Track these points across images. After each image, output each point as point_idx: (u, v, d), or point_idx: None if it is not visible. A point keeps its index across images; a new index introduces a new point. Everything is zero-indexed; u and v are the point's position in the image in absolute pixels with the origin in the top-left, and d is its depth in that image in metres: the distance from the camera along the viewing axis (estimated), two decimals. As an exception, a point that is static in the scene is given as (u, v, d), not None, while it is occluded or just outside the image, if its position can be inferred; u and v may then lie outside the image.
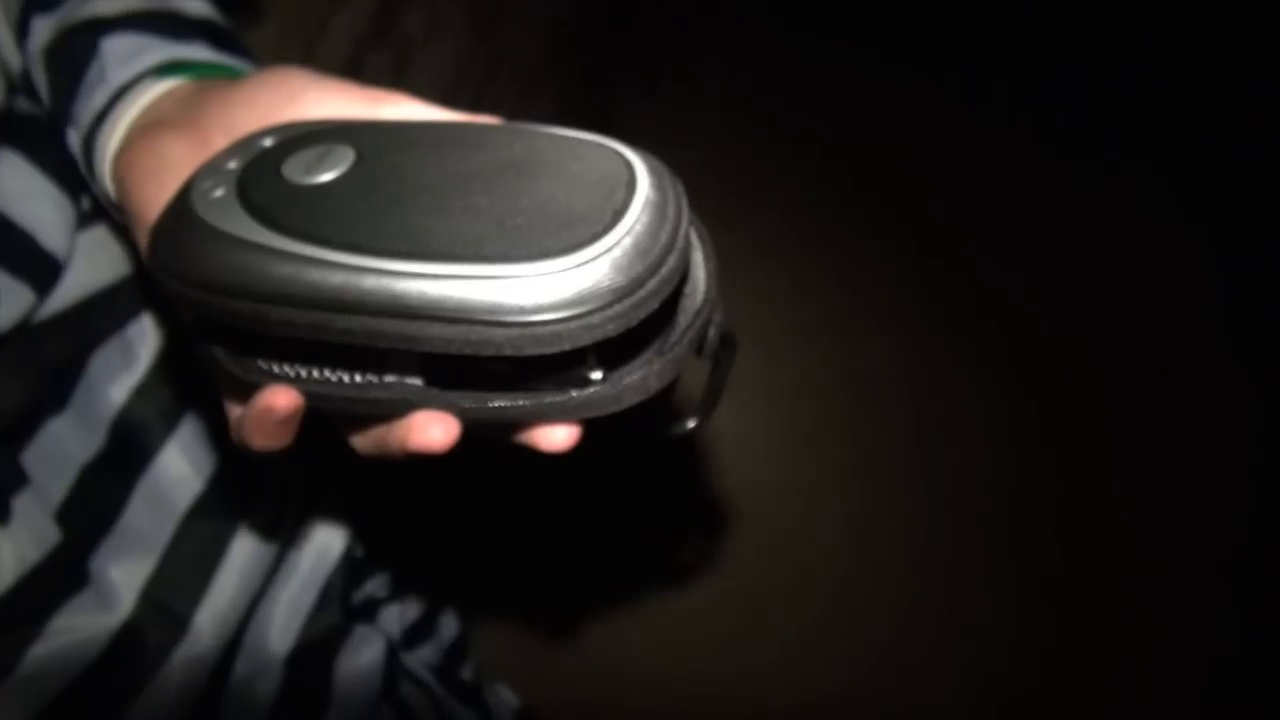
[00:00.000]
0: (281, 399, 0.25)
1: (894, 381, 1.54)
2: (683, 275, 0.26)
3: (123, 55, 0.33)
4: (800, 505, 1.38)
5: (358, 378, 0.26)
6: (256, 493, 0.44)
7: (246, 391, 0.26)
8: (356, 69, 0.94)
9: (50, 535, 0.35)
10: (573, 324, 0.22)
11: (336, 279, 0.23)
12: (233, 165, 0.26)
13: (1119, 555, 1.32)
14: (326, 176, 0.25)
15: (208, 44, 0.36)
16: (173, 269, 0.24)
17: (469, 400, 0.26)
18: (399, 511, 0.55)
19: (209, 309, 0.24)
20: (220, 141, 0.29)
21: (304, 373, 0.26)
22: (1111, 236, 1.76)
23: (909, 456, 1.44)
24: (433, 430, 0.25)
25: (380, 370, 0.26)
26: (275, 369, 0.27)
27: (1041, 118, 1.97)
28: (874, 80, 2.09)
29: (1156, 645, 1.23)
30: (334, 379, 0.26)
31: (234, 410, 0.28)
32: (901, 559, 1.32)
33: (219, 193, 0.25)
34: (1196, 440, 1.45)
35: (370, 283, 0.23)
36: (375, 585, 0.52)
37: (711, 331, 0.28)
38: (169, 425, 0.41)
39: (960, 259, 1.73)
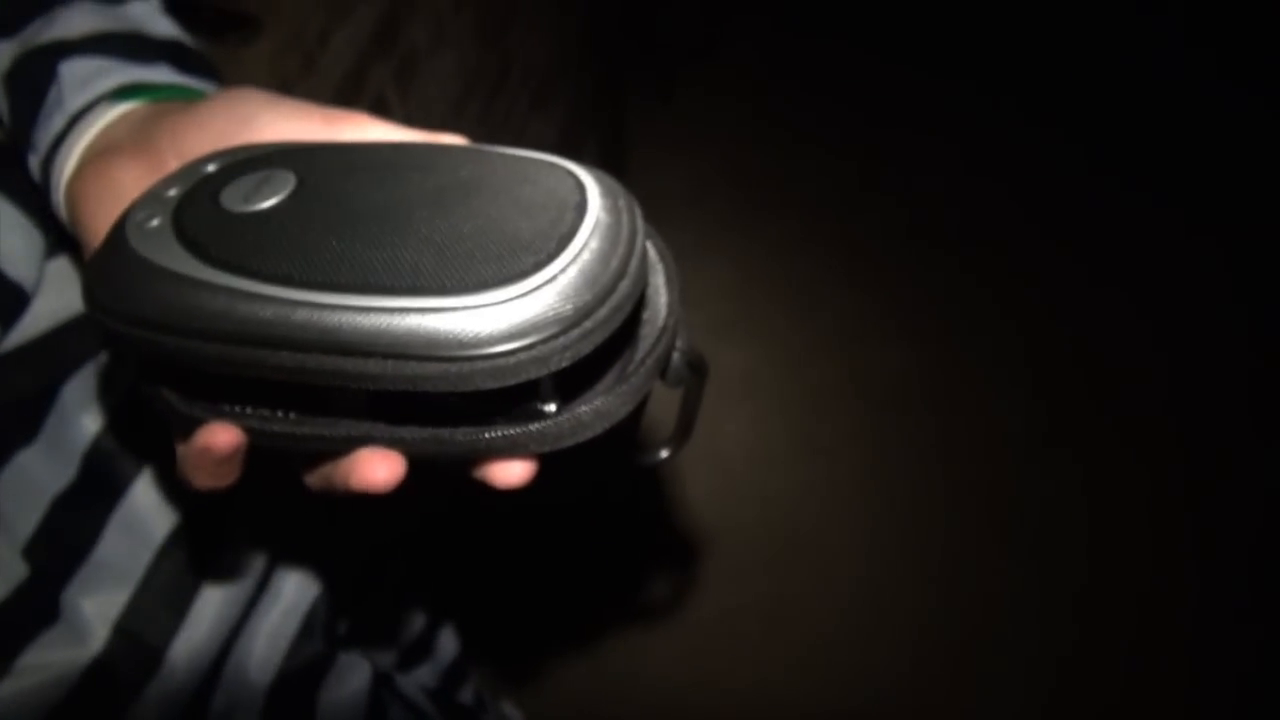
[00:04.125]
0: (221, 437, 0.24)
1: (911, 387, 1.51)
2: (639, 301, 0.24)
3: (81, 79, 0.33)
4: (816, 514, 1.36)
5: (301, 414, 0.25)
6: (236, 522, 0.43)
7: (190, 428, 0.25)
8: (359, 82, 0.93)
9: (17, 571, 0.34)
10: (516, 357, 0.21)
11: (267, 313, 0.22)
12: (172, 193, 0.25)
13: (1142, 563, 1.29)
14: (264, 204, 0.24)
15: (171, 66, 0.35)
16: (105, 303, 0.23)
17: (417, 435, 0.24)
18: (389, 533, 0.54)
19: (143, 345, 0.23)
20: (174, 166, 0.29)
21: (247, 409, 0.25)
22: (1129, 240, 1.72)
23: (926, 463, 1.41)
24: (377, 469, 0.24)
25: (324, 405, 0.25)
26: (217, 405, 0.25)
27: (1059, 121, 1.94)
28: (889, 85, 2.07)
29: (1180, 654, 1.20)
30: (277, 415, 0.25)
31: (179, 447, 0.27)
32: (919, 567, 1.29)
33: (154, 223, 0.24)
34: (1218, 444, 1.41)
35: (302, 317, 0.21)
36: (365, 609, 0.51)
37: (675, 357, 0.26)
38: (144, 455, 0.40)
39: (977, 263, 1.70)
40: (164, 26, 0.38)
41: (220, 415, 0.25)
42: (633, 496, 1.33)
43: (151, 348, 0.23)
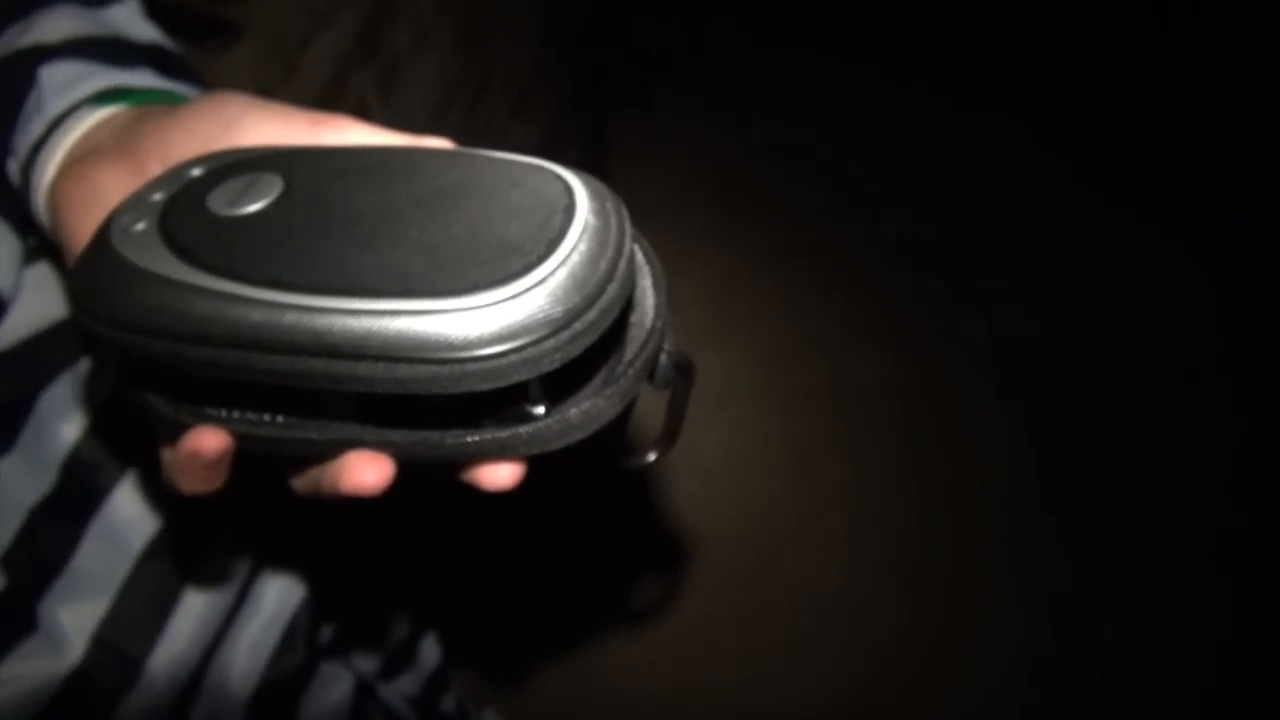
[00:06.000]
0: (209, 441, 0.24)
1: (888, 395, 1.53)
2: (627, 303, 0.25)
3: (61, 83, 0.32)
4: (795, 520, 1.37)
5: (290, 417, 0.25)
6: (215, 531, 0.42)
7: (176, 432, 0.25)
8: (341, 87, 0.93)
9: (-7, 581, 0.34)
10: (506, 359, 0.21)
11: (256, 316, 0.21)
12: (157, 197, 0.25)
13: (1115, 567, 1.31)
14: (251, 208, 0.24)
15: (153, 70, 0.35)
16: (91, 307, 0.23)
17: (405, 438, 0.24)
18: (370, 542, 0.54)
19: (130, 349, 0.23)
20: (156, 170, 0.28)
21: (234, 413, 0.25)
22: (1105, 250, 1.75)
23: (904, 470, 1.42)
24: (366, 472, 0.24)
25: (312, 409, 0.25)
26: (205, 409, 0.25)
27: (1036, 132, 1.96)
28: (868, 94, 2.09)
29: (1154, 656, 1.22)
30: (266, 419, 0.25)
31: (165, 452, 0.26)
32: (897, 573, 1.30)
33: (140, 226, 0.24)
34: (1192, 451, 1.44)
35: (290, 320, 0.21)
36: (346, 619, 0.50)
37: (663, 359, 0.27)
38: (123, 463, 0.39)
39: (954, 273, 1.72)
40: (145, 30, 0.37)
41: (207, 419, 0.25)
42: (612, 503, 1.33)
43: (138, 352, 0.23)
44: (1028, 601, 1.27)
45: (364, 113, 0.98)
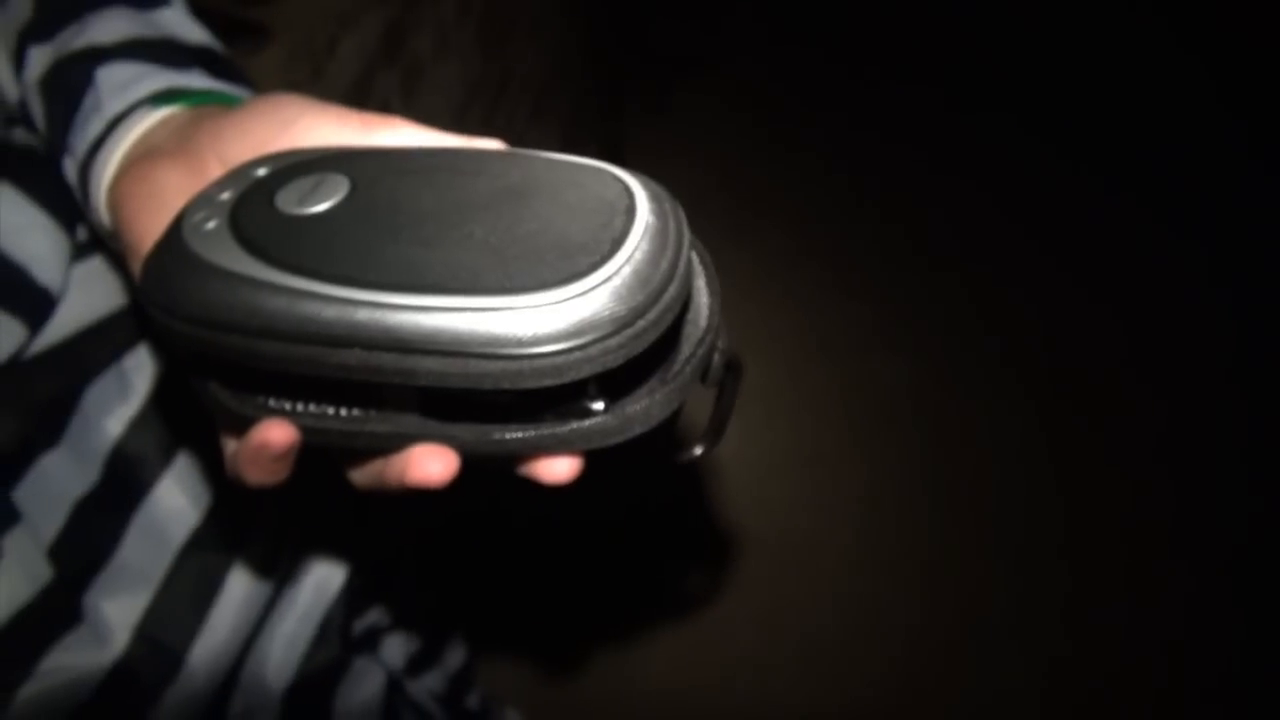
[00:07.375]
0: (277, 434, 0.24)
1: (902, 396, 1.53)
2: (685, 302, 0.25)
3: (118, 84, 0.33)
4: (810, 522, 1.37)
5: (355, 411, 0.26)
6: (254, 525, 0.43)
7: (241, 425, 0.26)
8: (365, 90, 0.94)
9: (42, 573, 0.34)
10: (572, 356, 0.22)
11: (330, 313, 0.22)
12: (226, 196, 0.26)
13: (1128, 571, 1.31)
14: (320, 207, 0.24)
15: (205, 71, 0.36)
16: (164, 303, 0.24)
17: (468, 433, 0.25)
18: (402, 539, 0.54)
19: (201, 344, 0.24)
20: (215, 170, 0.29)
21: (300, 406, 0.26)
22: (1117, 251, 1.75)
23: (917, 472, 1.42)
24: (431, 464, 0.24)
25: (378, 403, 0.26)
26: (271, 403, 0.26)
27: (1047, 134, 1.96)
28: (881, 98, 2.09)
29: (1165, 657, 1.21)
30: (331, 413, 0.26)
31: (229, 444, 0.27)
32: (911, 574, 1.30)
33: (211, 224, 0.25)
34: (1204, 455, 1.43)
35: (364, 316, 0.22)
36: (378, 614, 0.51)
37: (716, 358, 0.27)
38: (166, 457, 0.40)
39: (968, 274, 1.72)
40: (195, 33, 0.38)
41: (273, 412, 0.25)
42: (629, 507, 1.33)
43: (210, 347, 0.23)
44: (1041, 602, 1.27)
45: (388, 113, 0.98)
